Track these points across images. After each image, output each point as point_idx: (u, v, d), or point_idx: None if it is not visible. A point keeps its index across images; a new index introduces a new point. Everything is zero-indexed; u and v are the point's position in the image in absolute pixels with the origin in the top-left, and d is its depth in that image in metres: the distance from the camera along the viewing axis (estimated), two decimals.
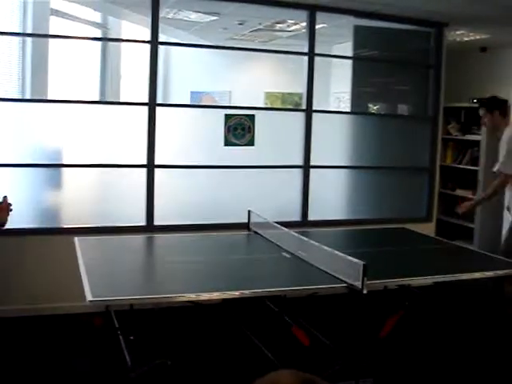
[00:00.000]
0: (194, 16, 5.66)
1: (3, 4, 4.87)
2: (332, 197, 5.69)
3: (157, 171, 4.82)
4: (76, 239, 3.82)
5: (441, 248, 4.39)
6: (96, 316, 3.83)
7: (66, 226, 4.68)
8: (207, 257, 3.82)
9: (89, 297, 2.70)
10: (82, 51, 5.98)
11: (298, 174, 5.33)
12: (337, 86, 6.72)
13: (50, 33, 5.20)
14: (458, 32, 5.95)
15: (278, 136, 5.41)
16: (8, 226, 4.44)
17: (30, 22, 4.98)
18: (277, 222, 4.13)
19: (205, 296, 2.93)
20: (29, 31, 5.03)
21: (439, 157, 5.99)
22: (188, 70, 7.56)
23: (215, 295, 2.99)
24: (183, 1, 5.16)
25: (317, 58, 5.26)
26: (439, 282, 3.87)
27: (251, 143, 5.12)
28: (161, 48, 4.88)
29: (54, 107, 4.67)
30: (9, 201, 3.23)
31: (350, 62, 5.74)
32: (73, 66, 6.04)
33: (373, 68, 5.84)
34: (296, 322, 3.33)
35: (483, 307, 4.74)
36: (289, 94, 8.01)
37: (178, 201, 5.04)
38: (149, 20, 4.71)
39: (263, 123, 5.17)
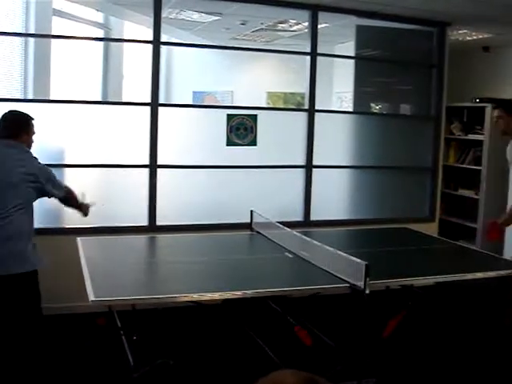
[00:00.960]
0: (196, 16, 5.66)
1: (6, 4, 4.88)
2: (334, 197, 5.68)
3: (159, 171, 4.83)
4: (78, 239, 3.83)
5: (443, 248, 4.38)
6: (99, 316, 3.84)
7: (68, 227, 4.69)
8: (209, 257, 3.82)
9: (91, 297, 2.70)
10: (84, 51, 5.99)
11: (300, 173, 5.33)
12: (339, 85, 6.72)
13: (53, 33, 5.21)
14: (460, 31, 5.93)
15: (280, 136, 5.40)
16: None
17: (32, 23, 4.99)
18: (279, 222, 4.13)
19: (207, 296, 2.93)
20: (31, 31, 5.03)
21: (442, 156, 5.98)
22: (190, 70, 7.57)
23: (217, 295, 2.99)
24: (185, 1, 5.16)
25: (319, 58, 5.26)
26: (441, 282, 3.87)
27: (253, 143, 5.12)
28: (163, 48, 4.88)
29: (56, 107, 4.67)
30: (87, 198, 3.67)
31: (352, 61, 5.73)
32: (75, 67, 6.05)
33: (375, 68, 5.83)
34: (298, 322, 3.33)
35: (486, 307, 4.73)
36: (291, 93, 8.01)
37: (180, 201, 5.05)
38: (151, 20, 4.71)
39: (265, 123, 5.17)
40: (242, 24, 5.97)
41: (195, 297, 2.94)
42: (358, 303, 3.00)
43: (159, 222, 4.86)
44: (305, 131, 5.29)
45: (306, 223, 5.29)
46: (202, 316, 4.17)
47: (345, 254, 3.16)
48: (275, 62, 7.52)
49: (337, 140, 5.66)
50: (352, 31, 5.65)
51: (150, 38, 4.73)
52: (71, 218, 4.79)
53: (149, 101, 4.77)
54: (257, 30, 6.26)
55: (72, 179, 4.81)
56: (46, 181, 3.32)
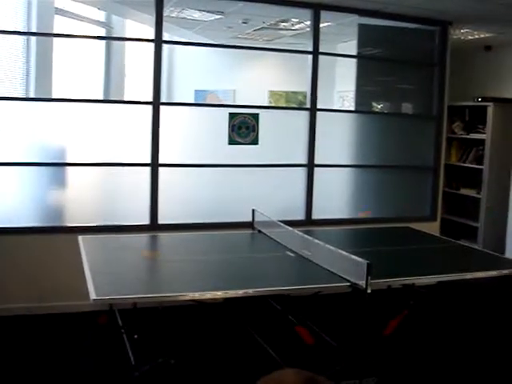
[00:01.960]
0: (198, 15, 5.66)
1: (8, 3, 4.88)
2: (336, 196, 5.68)
3: (161, 170, 4.83)
4: (80, 238, 3.83)
5: (445, 247, 4.37)
6: (100, 314, 3.84)
7: (70, 225, 4.68)
8: (211, 256, 3.82)
9: (92, 295, 2.70)
10: (86, 50, 5.99)
11: (302, 172, 5.33)
12: (341, 84, 6.71)
13: (55, 32, 5.20)
14: (462, 30, 5.92)
15: (282, 135, 5.40)
16: (11, 225, 4.48)
17: (34, 21, 4.99)
18: (281, 221, 4.13)
19: (208, 295, 2.93)
20: (33, 30, 5.03)
21: (444, 156, 5.97)
22: (192, 69, 7.56)
23: (219, 294, 2.99)
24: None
25: (321, 57, 5.26)
26: (443, 281, 3.86)
27: (255, 142, 5.12)
28: (165, 47, 4.88)
29: (58, 106, 4.68)
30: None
31: (354, 60, 5.72)
32: (77, 65, 6.04)
33: (377, 67, 5.82)
34: (300, 321, 3.33)
35: (488, 306, 4.73)
36: (293, 92, 8.00)
37: (182, 199, 5.04)
38: (153, 19, 4.71)
39: (267, 122, 5.17)
40: (244, 23, 5.96)
41: (196, 295, 2.94)
42: (360, 302, 3.00)
43: (161, 220, 4.86)
44: (307, 130, 5.29)
45: (307, 222, 5.29)
46: (204, 315, 4.17)
47: (346, 253, 3.16)
48: (277, 61, 7.51)
49: (338, 139, 5.66)
50: (354, 30, 5.63)
51: (152, 36, 4.73)
52: (73, 216, 4.81)
53: (151, 99, 4.77)
54: (259, 29, 6.26)
55: (74, 178, 4.83)
56: None
